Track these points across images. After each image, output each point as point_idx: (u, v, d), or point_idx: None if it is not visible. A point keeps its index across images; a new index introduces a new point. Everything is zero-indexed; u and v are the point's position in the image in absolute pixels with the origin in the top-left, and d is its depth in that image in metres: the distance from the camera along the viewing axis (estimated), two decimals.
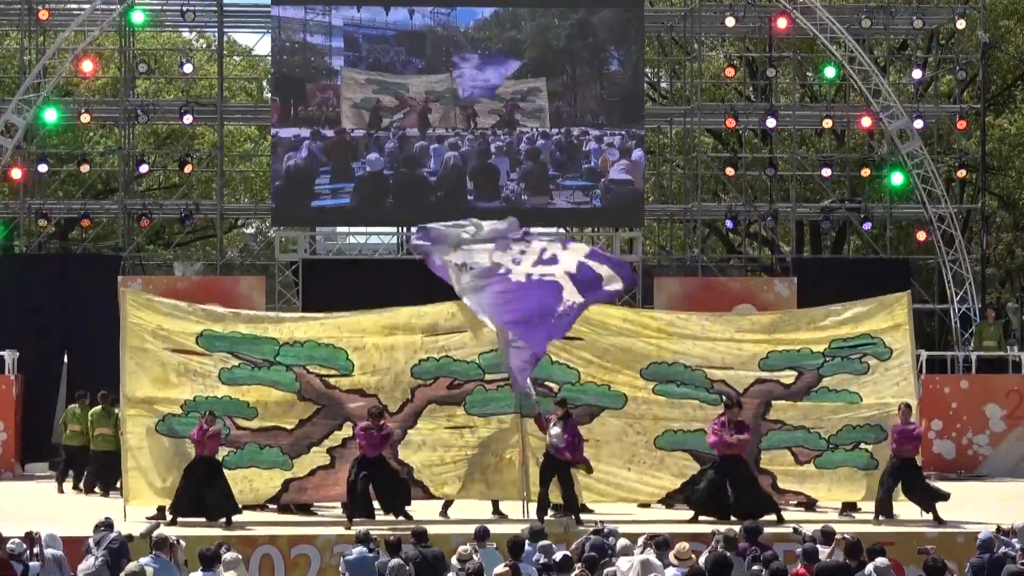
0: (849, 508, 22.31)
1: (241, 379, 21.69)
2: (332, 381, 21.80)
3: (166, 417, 21.38)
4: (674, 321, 22.89)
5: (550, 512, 21.27)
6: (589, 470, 21.44)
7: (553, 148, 32.32)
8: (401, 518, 20.81)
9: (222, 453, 21.20)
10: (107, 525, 16.96)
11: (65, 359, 30.75)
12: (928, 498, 21.39)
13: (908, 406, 21.64)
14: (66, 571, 16.50)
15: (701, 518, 21.09)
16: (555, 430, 21.01)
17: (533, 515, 21.07)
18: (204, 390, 21.55)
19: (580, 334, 22.03)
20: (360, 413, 21.56)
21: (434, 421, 21.85)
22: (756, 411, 22.07)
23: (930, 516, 21.29)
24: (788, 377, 22.23)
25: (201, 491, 20.83)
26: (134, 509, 21.02)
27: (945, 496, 21.41)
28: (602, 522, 18.47)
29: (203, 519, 20.77)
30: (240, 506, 21.19)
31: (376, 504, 21.07)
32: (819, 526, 17.63)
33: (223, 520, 20.78)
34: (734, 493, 21.18)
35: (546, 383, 21.81)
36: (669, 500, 22.09)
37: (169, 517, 20.81)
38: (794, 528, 18.60)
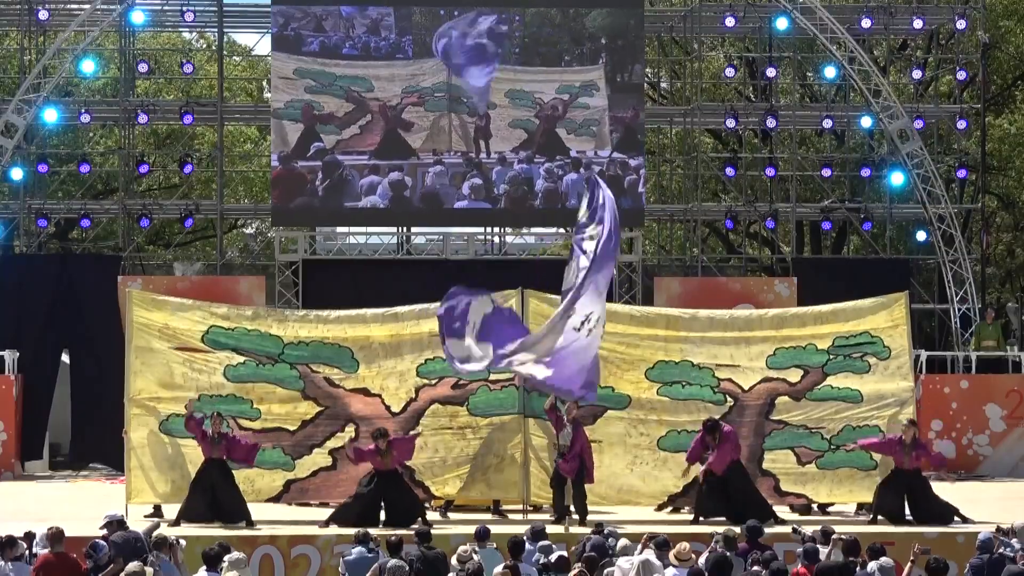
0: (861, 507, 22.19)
1: (246, 376, 21.68)
2: (336, 380, 21.81)
3: (170, 417, 21.39)
4: (681, 316, 22.84)
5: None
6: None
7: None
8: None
9: None
10: (119, 523, 16.91)
11: (65, 359, 30.79)
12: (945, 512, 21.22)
13: (913, 422, 21.57)
14: None
15: (702, 518, 21.07)
16: (565, 431, 21.00)
17: (533, 515, 21.06)
18: (209, 390, 21.55)
19: None
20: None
21: (437, 422, 21.83)
22: (760, 409, 22.07)
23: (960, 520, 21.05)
24: (794, 375, 22.22)
25: (216, 496, 20.71)
26: (135, 508, 21.00)
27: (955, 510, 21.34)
28: (602, 522, 18.45)
29: (212, 522, 20.59)
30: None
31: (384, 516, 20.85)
32: (819, 526, 17.68)
33: (244, 522, 20.62)
34: (731, 498, 21.03)
35: None
36: (671, 503, 22.04)
37: (173, 519, 20.76)
38: (794, 528, 18.62)
